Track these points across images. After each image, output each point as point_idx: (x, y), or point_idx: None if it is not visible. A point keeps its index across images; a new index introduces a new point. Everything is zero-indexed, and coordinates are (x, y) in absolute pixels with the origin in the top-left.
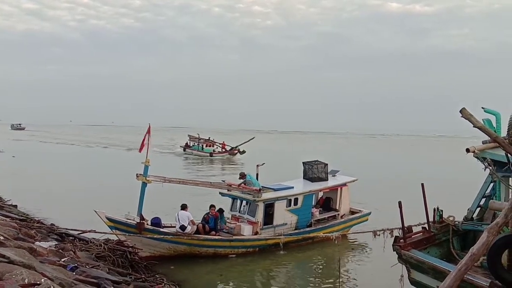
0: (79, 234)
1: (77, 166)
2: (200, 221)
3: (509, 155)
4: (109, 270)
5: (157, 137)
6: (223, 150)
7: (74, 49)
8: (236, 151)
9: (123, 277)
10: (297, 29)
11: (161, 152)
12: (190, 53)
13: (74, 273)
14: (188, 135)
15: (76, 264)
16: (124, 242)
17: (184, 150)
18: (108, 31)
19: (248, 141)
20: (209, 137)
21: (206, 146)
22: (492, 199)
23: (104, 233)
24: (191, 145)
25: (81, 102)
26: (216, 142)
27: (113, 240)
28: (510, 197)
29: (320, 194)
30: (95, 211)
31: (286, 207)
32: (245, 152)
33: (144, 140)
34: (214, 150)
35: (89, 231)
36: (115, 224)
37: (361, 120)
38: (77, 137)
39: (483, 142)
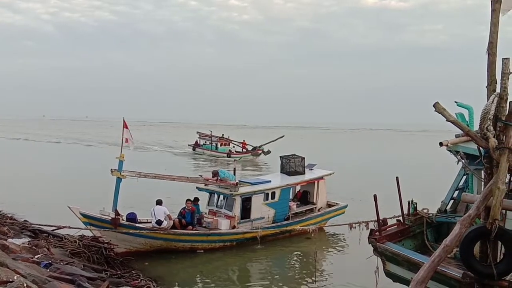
0: (53, 230)
1: (51, 161)
2: (176, 216)
3: (481, 148)
4: (84, 267)
5: (138, 133)
6: (244, 150)
7: (47, 42)
8: (260, 151)
9: (98, 273)
10: (274, 24)
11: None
12: (167, 47)
13: (48, 270)
14: (198, 132)
15: (50, 261)
16: (99, 238)
17: (194, 150)
18: (83, 24)
19: (276, 139)
20: (223, 134)
21: (221, 145)
22: (465, 191)
23: (79, 228)
24: (201, 143)
25: (54, 96)
26: (232, 140)
27: (88, 236)
28: (482, 189)
29: (298, 187)
30: (69, 207)
31: (264, 201)
32: (270, 152)
33: (127, 134)
34: (230, 150)
35: (63, 227)
36: (89, 220)
37: (338, 115)
38: (50, 132)
39: (456, 136)
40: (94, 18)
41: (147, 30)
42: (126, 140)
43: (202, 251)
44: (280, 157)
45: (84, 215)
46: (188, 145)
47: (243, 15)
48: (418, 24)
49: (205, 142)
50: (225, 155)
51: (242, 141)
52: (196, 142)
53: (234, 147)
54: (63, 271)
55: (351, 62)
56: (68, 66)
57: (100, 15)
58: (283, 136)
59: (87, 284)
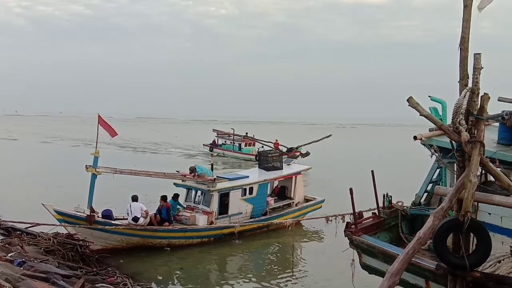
0: (26, 228)
1: (23, 158)
2: (153, 212)
3: (453, 142)
4: (59, 264)
5: (124, 130)
6: (277, 151)
7: (19, 36)
8: (298, 153)
9: (73, 271)
10: (251, 19)
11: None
12: (143, 41)
13: (22, 268)
14: (215, 130)
15: (23, 259)
16: (74, 236)
17: (211, 150)
18: (57, 18)
19: (321, 139)
20: (247, 133)
21: (245, 145)
22: (439, 184)
23: (53, 224)
24: (220, 143)
25: (27, 92)
26: (259, 140)
27: (63, 233)
28: (455, 182)
29: (275, 182)
30: (43, 204)
31: (241, 196)
32: (309, 154)
33: (109, 126)
34: (258, 151)
35: (37, 224)
36: (64, 217)
37: (315, 110)
38: (23, 128)
39: (430, 130)
40: (68, 12)
41: (123, 24)
42: (113, 134)
43: (169, 249)
44: (258, 152)
45: (59, 212)
46: (204, 145)
47: (220, 10)
48: (394, 20)
49: (225, 141)
50: (253, 156)
51: (274, 141)
52: (214, 141)
53: (263, 147)
54: (37, 269)
55: (329, 56)
56: (41, 60)
57: (74, 9)
58: (330, 136)
59: (62, 281)
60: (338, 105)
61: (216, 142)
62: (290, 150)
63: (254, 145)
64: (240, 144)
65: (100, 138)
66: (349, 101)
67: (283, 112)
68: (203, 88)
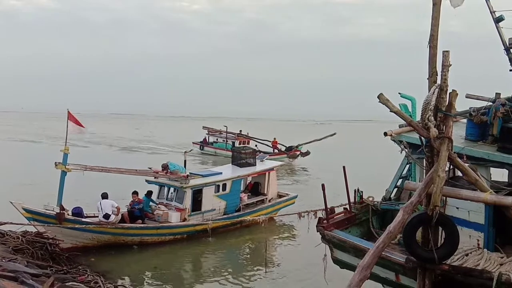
0: None
1: None
2: (126, 210)
3: (422, 138)
4: (28, 263)
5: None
6: (276, 150)
7: None
8: (298, 152)
9: (43, 269)
10: (224, 14)
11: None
12: (111, 35)
13: None
14: (205, 127)
15: None
16: (44, 234)
17: (202, 149)
18: (20, 11)
19: (323, 138)
20: (241, 130)
21: (240, 143)
22: (408, 179)
23: (22, 223)
24: (211, 141)
25: None
26: (253, 138)
27: (32, 232)
28: (424, 177)
29: (249, 179)
30: (11, 202)
31: (215, 192)
32: (309, 153)
33: (77, 121)
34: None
35: (5, 223)
36: (33, 215)
37: (290, 106)
38: None
39: (400, 126)
40: (33, 5)
41: (89, 18)
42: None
43: (136, 247)
44: (232, 149)
45: (27, 211)
46: (193, 143)
47: (193, 5)
48: (361, 17)
49: (217, 139)
50: None
51: (272, 140)
52: (205, 139)
53: (256, 145)
54: (5, 268)
55: (297, 54)
56: (2, 54)
57: (39, 2)
58: (334, 134)
59: (31, 281)
60: (313, 101)
61: (207, 140)
62: (289, 149)
63: (248, 143)
64: (233, 143)
65: (70, 135)
66: (324, 97)
67: (258, 108)
68: (175, 84)
